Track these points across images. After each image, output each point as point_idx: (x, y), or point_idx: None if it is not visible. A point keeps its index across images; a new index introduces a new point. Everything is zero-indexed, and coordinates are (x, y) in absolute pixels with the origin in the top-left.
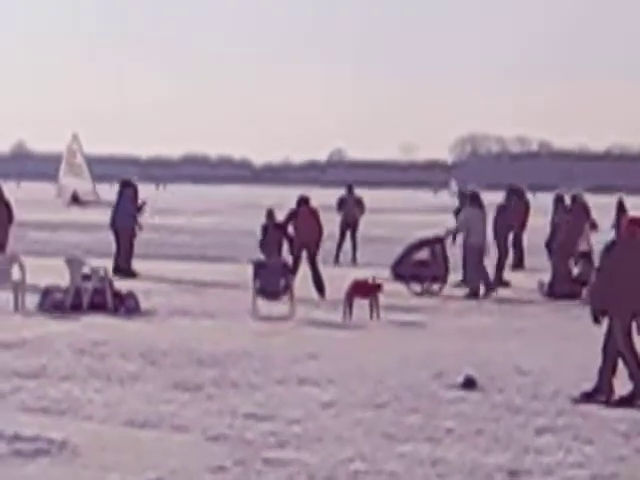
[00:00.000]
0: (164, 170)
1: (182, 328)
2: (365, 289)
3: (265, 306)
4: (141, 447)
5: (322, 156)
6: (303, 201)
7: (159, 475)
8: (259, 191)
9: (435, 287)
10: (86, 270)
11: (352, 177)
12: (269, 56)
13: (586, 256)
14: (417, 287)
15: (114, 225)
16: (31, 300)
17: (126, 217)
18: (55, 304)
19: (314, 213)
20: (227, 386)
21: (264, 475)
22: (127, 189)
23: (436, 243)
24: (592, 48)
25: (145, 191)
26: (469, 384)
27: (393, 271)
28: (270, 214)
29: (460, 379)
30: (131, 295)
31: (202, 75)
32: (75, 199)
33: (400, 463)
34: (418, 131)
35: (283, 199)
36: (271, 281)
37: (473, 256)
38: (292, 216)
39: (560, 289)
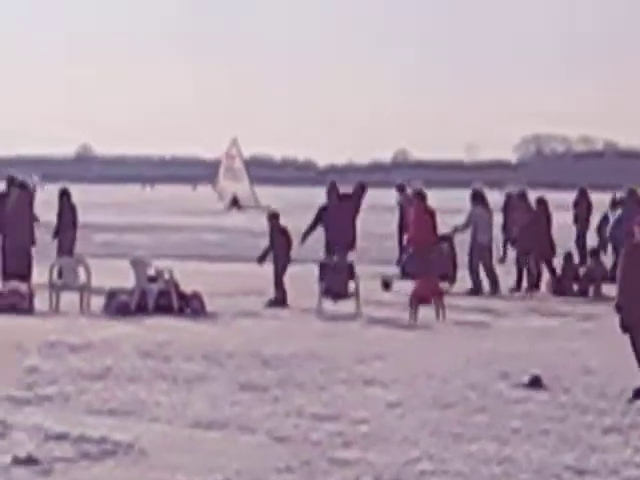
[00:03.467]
0: None
1: (247, 329)
2: (430, 290)
3: (331, 306)
4: (207, 448)
5: (386, 157)
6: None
7: (225, 476)
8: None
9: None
10: (151, 272)
11: (417, 177)
12: (333, 57)
13: (596, 254)
14: None
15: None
16: (96, 302)
17: None
18: (120, 306)
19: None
20: (293, 387)
21: (330, 475)
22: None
23: (443, 241)
24: None
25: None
26: (535, 384)
27: (402, 269)
28: (274, 217)
29: (526, 379)
30: (196, 296)
31: (266, 76)
32: (235, 203)
33: (467, 463)
34: (482, 131)
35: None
36: (337, 281)
37: (478, 254)
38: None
39: (568, 286)
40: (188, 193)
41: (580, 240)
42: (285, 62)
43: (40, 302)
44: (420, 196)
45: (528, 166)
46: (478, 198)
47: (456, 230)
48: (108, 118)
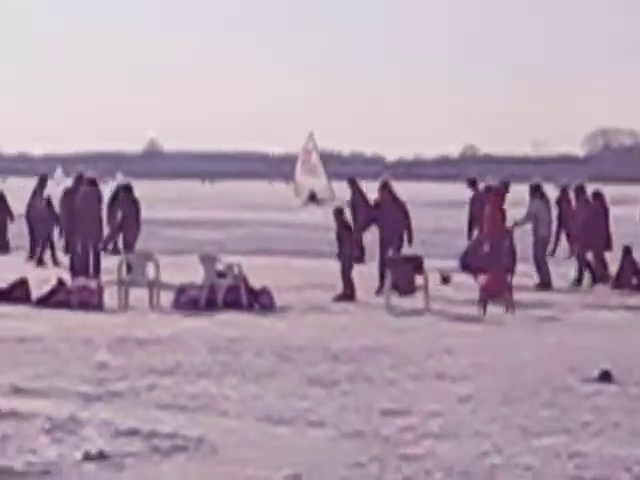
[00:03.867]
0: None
1: (316, 324)
2: (501, 285)
3: (400, 301)
4: (277, 443)
5: (454, 152)
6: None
7: (295, 471)
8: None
9: None
10: (220, 267)
11: (484, 172)
12: (400, 54)
13: None
14: None
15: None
16: (166, 297)
17: None
18: (190, 301)
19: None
20: (362, 381)
21: (401, 470)
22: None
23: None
24: None
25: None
26: (605, 377)
27: (461, 262)
28: (339, 212)
29: (596, 372)
30: (265, 291)
31: (334, 72)
32: (312, 198)
33: (537, 457)
34: (549, 126)
35: (413, 194)
36: (405, 276)
37: (541, 248)
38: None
39: (627, 280)
40: (264, 188)
41: None
42: (353, 59)
43: (109, 298)
44: (495, 191)
45: (596, 159)
46: (537, 192)
47: (516, 224)
48: (176, 114)
